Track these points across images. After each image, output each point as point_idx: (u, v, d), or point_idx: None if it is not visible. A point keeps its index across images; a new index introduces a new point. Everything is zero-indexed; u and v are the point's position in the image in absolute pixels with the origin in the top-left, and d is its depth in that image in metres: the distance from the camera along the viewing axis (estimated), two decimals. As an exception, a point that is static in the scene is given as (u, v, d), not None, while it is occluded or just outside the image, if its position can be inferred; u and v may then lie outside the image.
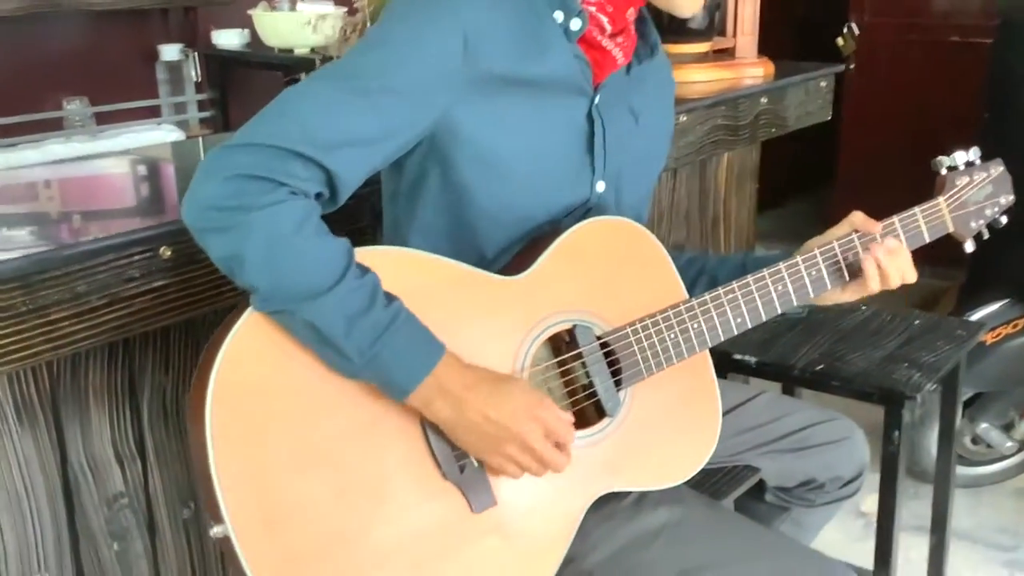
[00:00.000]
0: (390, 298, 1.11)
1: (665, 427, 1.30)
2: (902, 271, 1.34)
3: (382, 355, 1.08)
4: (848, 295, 1.37)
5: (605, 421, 1.25)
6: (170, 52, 3.71)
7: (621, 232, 1.29)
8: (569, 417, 1.18)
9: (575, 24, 1.24)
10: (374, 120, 1.13)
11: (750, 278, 1.31)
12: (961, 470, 2.65)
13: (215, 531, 1.08)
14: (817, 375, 1.92)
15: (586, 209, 1.32)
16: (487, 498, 1.17)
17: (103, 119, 3.57)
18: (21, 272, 1.19)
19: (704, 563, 1.26)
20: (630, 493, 1.30)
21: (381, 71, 1.13)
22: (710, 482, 1.56)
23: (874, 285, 1.33)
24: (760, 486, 1.67)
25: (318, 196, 1.13)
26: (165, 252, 1.31)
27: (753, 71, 2.47)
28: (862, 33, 4.36)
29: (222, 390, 1.06)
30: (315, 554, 1.08)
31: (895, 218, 1.38)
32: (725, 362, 2.03)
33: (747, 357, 2.00)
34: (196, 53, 3.71)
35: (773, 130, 2.47)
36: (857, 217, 1.38)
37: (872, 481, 1.75)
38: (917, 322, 2.13)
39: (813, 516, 1.68)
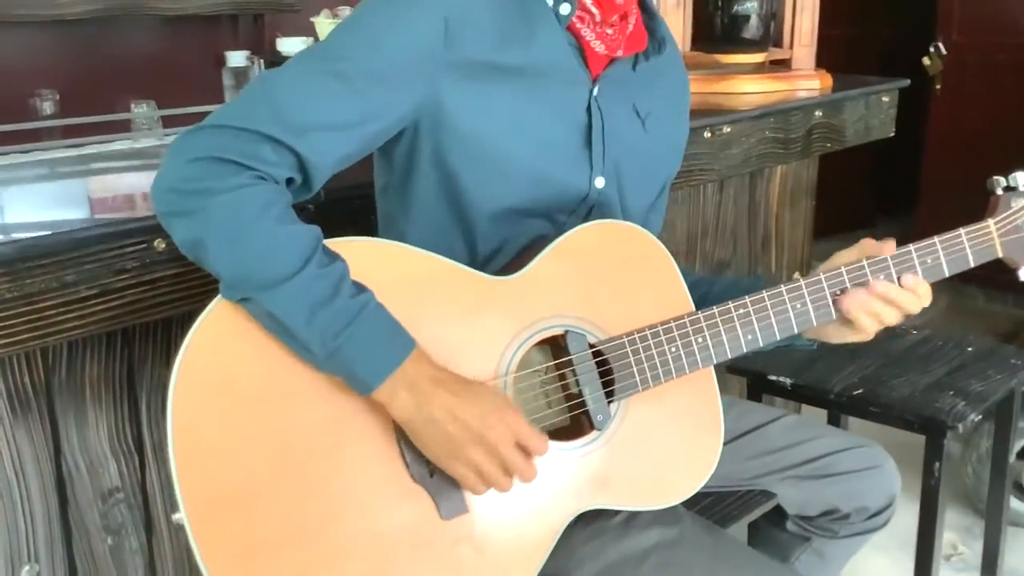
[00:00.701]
0: (359, 289, 1.06)
1: (659, 446, 1.22)
2: (900, 311, 1.25)
3: (345, 348, 1.03)
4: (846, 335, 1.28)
5: (593, 434, 1.19)
6: (236, 58, 3.76)
7: (625, 236, 1.23)
8: (543, 435, 1.12)
9: (564, 8, 1.19)
10: (350, 103, 1.09)
11: (765, 293, 1.23)
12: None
13: (175, 517, 1.05)
14: (854, 400, 1.83)
15: (588, 207, 1.27)
16: (458, 505, 1.11)
17: (169, 122, 3.62)
18: (5, 258, 1.18)
19: (696, 589, 1.18)
20: (621, 511, 1.24)
21: (358, 53, 1.10)
22: (721, 506, 1.48)
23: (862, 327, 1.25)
24: (781, 513, 1.58)
25: (289, 182, 1.09)
26: (160, 244, 1.30)
27: (808, 83, 2.38)
28: (949, 53, 4.22)
29: (185, 378, 1.04)
30: (271, 546, 1.05)
31: (912, 247, 1.26)
32: (760, 383, 1.95)
33: (783, 378, 1.92)
34: (261, 60, 3.75)
35: (828, 145, 2.38)
36: (868, 244, 1.28)
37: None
38: (970, 349, 2.01)
39: (836, 548, 1.58)
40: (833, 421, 2.18)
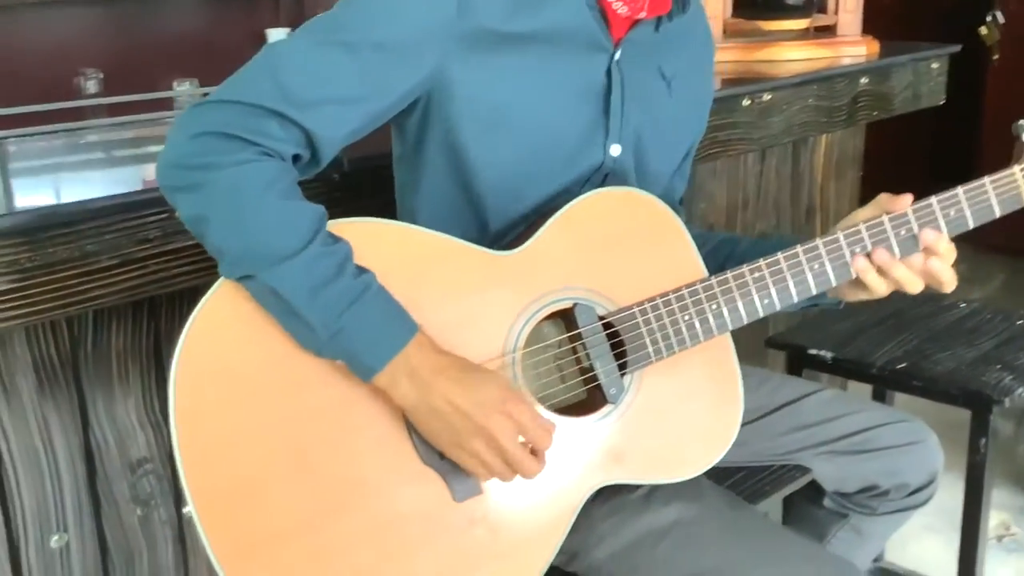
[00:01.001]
0: (361, 271, 1.04)
1: (675, 418, 1.19)
2: (923, 276, 1.19)
3: (347, 329, 1.01)
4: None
5: (607, 408, 1.15)
6: (278, 35, 3.73)
7: (632, 204, 1.19)
8: (551, 422, 1.09)
9: None
10: (358, 77, 1.06)
11: (780, 255, 1.19)
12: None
13: (186, 510, 1.04)
14: (897, 374, 1.77)
15: (603, 175, 1.23)
16: (471, 486, 1.09)
17: (212, 100, 3.64)
18: (25, 227, 1.18)
19: (717, 566, 1.15)
20: (641, 486, 1.21)
21: (367, 24, 1.06)
22: (752, 480, 1.44)
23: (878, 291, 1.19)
24: (819, 490, 1.54)
25: (296, 159, 1.07)
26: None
27: (854, 50, 2.31)
28: (1008, 22, 4.09)
29: (187, 364, 1.02)
30: (281, 536, 1.03)
31: (933, 199, 1.19)
32: (800, 357, 1.91)
33: (824, 352, 1.87)
34: (302, 36, 3.74)
35: (875, 113, 2.30)
36: (882, 198, 1.21)
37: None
38: (1020, 322, 1.94)
39: (875, 525, 1.53)
40: (879, 399, 2.12)
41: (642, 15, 1.19)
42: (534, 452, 1.07)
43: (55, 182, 1.62)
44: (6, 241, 1.17)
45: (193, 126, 1.02)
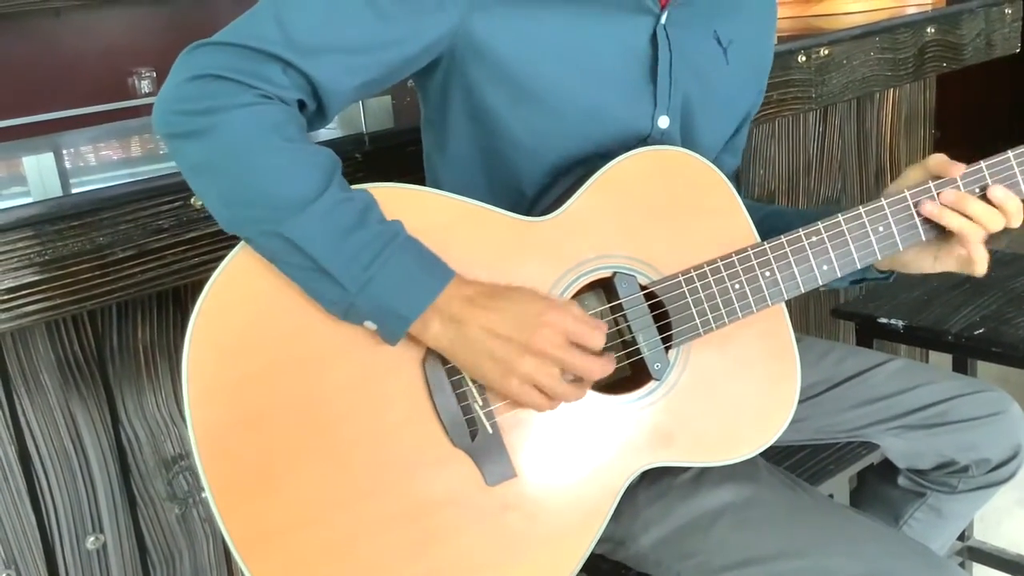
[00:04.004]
0: (385, 219, 0.97)
1: (726, 395, 1.10)
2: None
3: (378, 278, 0.93)
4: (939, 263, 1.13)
5: (651, 384, 1.07)
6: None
7: (675, 164, 1.09)
8: (600, 323, 0.99)
9: None
10: (370, 25, 0.98)
11: (841, 216, 1.09)
12: None
13: (205, 495, 0.99)
14: (974, 340, 1.64)
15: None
16: (504, 469, 1.01)
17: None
18: (33, 220, 1.14)
19: (780, 550, 1.05)
20: (688, 468, 1.12)
21: None
22: (813, 460, 1.34)
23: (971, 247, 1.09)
24: (893, 468, 1.43)
25: (302, 107, 0.99)
26: (196, 202, 1.23)
27: (918, -1, 2.16)
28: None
29: (201, 342, 0.97)
30: (301, 522, 0.97)
31: (982, 163, 1.10)
32: (870, 327, 1.79)
33: (894, 321, 1.75)
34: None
35: (944, 65, 2.16)
36: (932, 160, 1.12)
37: None
38: (1110, 280, 1.79)
39: (956, 504, 1.42)
40: (960, 369, 1.99)
41: None
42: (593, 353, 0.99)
43: (110, 182, 1.59)
44: (17, 235, 1.13)
45: (192, 67, 0.94)
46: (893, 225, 1.09)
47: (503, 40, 1.04)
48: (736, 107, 1.26)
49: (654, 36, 1.11)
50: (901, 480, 1.43)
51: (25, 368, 1.28)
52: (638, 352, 1.07)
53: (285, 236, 0.93)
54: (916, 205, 1.10)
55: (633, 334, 1.06)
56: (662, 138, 1.14)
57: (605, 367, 0.99)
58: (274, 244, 0.94)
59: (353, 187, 0.99)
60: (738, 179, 1.33)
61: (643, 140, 1.13)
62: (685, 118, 1.16)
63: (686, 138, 1.17)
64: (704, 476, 1.12)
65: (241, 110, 0.93)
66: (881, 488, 1.46)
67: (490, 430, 1.01)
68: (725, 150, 1.29)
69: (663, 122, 1.13)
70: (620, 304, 1.06)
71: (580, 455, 1.04)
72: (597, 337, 0.98)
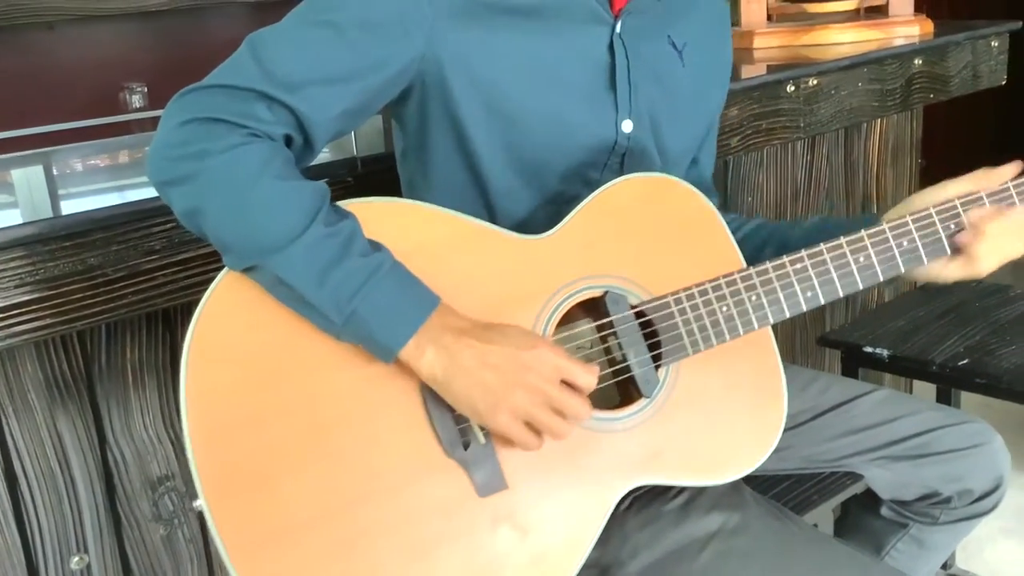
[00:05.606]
0: (373, 247, 0.98)
1: (714, 414, 1.11)
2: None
3: (360, 311, 0.95)
4: (952, 271, 1.14)
5: (641, 402, 1.08)
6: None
7: (664, 190, 1.12)
8: (591, 365, 1.01)
9: None
10: (345, 55, 1.02)
11: (823, 246, 1.11)
12: None
13: (196, 504, 1.00)
14: (958, 371, 1.66)
15: (620, 156, 1.16)
16: (495, 481, 1.02)
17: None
18: (25, 240, 1.14)
19: (761, 581, 1.07)
20: (679, 494, 1.13)
21: (352, 1, 1.02)
22: (798, 490, 1.35)
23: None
24: (875, 498, 1.44)
25: (289, 142, 1.02)
26: (188, 223, 1.24)
27: (906, 30, 2.19)
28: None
29: (198, 352, 0.98)
30: (295, 529, 0.98)
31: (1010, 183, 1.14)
32: (855, 356, 1.80)
33: (880, 350, 1.76)
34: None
35: (931, 95, 2.18)
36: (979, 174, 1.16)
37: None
38: (1093, 313, 1.82)
39: (938, 535, 1.43)
40: (944, 399, 2.01)
41: None
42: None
43: (101, 197, 1.59)
44: (8, 255, 1.13)
45: (179, 114, 0.98)
46: (873, 256, 1.13)
47: (470, 59, 1.08)
48: (700, 108, 1.29)
49: (611, 45, 1.14)
50: (884, 511, 1.45)
51: (12, 387, 1.28)
52: (628, 370, 1.08)
53: (271, 272, 0.96)
54: (896, 238, 1.13)
55: (623, 351, 1.07)
56: (630, 143, 1.17)
57: (588, 409, 1.01)
58: (263, 278, 0.98)
59: (349, 202, 1.01)
60: (725, 206, 1.35)
61: (611, 147, 1.16)
62: (653, 124, 1.20)
63: (657, 142, 1.21)
64: (693, 503, 1.13)
65: (230, 152, 0.96)
66: (864, 518, 1.47)
67: (483, 440, 1.02)
68: (702, 150, 1.33)
69: (627, 126, 1.16)
70: (611, 322, 1.07)
71: (571, 469, 1.05)
72: (588, 377, 1.00)
